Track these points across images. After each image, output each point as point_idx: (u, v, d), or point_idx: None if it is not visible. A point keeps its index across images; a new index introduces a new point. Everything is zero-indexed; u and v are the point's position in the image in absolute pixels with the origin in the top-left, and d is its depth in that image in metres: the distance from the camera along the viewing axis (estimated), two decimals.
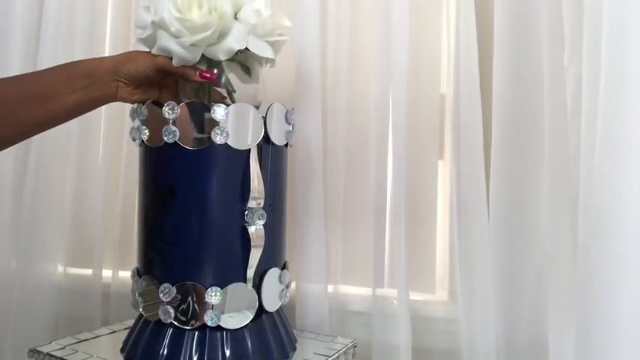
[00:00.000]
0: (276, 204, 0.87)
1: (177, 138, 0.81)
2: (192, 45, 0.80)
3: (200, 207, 0.82)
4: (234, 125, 0.81)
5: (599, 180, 0.80)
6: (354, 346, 1.01)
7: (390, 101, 1.06)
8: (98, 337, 1.00)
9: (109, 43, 1.26)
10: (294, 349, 0.93)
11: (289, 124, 0.89)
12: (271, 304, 0.87)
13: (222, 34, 0.81)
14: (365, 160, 1.11)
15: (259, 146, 0.85)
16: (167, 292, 0.82)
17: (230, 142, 0.81)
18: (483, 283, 1.01)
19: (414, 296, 1.08)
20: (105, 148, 1.27)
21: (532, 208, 0.99)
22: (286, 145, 0.90)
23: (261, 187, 0.83)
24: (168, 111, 0.81)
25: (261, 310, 0.86)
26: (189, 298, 0.82)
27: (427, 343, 1.08)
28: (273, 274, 0.87)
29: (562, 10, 0.89)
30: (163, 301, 0.82)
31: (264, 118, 0.84)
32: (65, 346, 0.94)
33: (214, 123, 0.80)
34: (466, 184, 1.02)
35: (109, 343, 0.98)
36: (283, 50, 0.91)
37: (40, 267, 1.26)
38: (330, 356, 0.93)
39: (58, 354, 0.89)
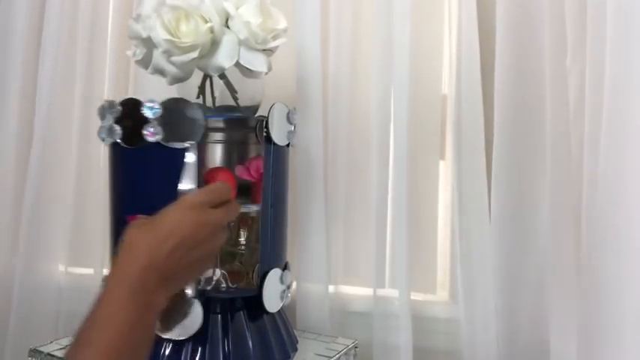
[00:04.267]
0: (278, 204, 0.87)
1: (118, 137, 0.79)
2: (183, 63, 0.79)
3: (141, 207, 0.78)
4: (168, 123, 0.77)
5: (603, 181, 0.80)
6: (355, 347, 1.01)
7: (392, 102, 1.06)
8: None
9: (110, 44, 1.26)
10: (295, 349, 0.93)
11: (291, 124, 0.88)
12: (273, 305, 0.87)
13: (214, 44, 0.80)
14: (366, 161, 1.12)
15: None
16: None
17: (163, 141, 0.77)
18: (484, 284, 1.01)
19: (415, 296, 1.07)
20: (106, 148, 1.26)
21: (534, 208, 0.99)
22: (288, 145, 0.90)
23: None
24: (109, 110, 0.80)
25: (262, 310, 0.85)
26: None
27: (428, 343, 1.08)
28: (274, 274, 0.87)
29: (565, 10, 0.89)
30: None
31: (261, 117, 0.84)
32: (65, 346, 0.94)
33: (146, 120, 0.77)
34: (467, 184, 1.02)
35: None
36: (285, 51, 0.90)
37: (41, 266, 1.27)
38: (331, 357, 0.93)
39: (58, 354, 0.89)
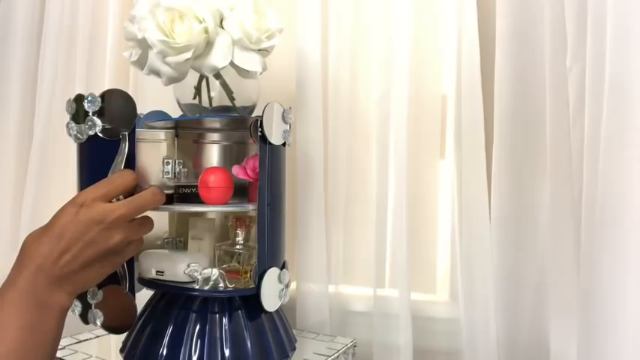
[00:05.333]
0: (275, 203, 0.87)
1: (74, 133, 0.79)
2: (177, 64, 0.79)
3: None
4: (105, 115, 0.77)
5: (602, 181, 0.80)
6: (354, 346, 1.01)
7: (392, 101, 1.05)
8: (98, 337, 1.01)
9: (110, 44, 1.26)
10: (294, 348, 0.93)
11: (286, 123, 0.88)
12: (271, 304, 0.87)
13: (208, 45, 0.80)
14: (366, 160, 1.11)
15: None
16: None
17: (100, 133, 0.76)
18: (484, 283, 1.00)
19: (415, 296, 1.07)
20: None
21: (534, 208, 0.99)
22: (284, 144, 0.90)
23: None
24: (67, 108, 0.79)
25: (260, 309, 0.85)
26: None
27: (428, 343, 1.07)
28: (272, 273, 0.87)
29: (565, 10, 0.89)
30: None
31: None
32: (65, 347, 0.94)
33: (86, 114, 0.77)
34: (468, 184, 1.02)
35: (109, 343, 0.98)
36: (285, 51, 0.90)
37: None
38: (329, 356, 0.93)
39: (57, 354, 0.89)
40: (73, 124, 0.78)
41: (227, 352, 0.83)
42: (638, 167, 0.77)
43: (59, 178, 1.27)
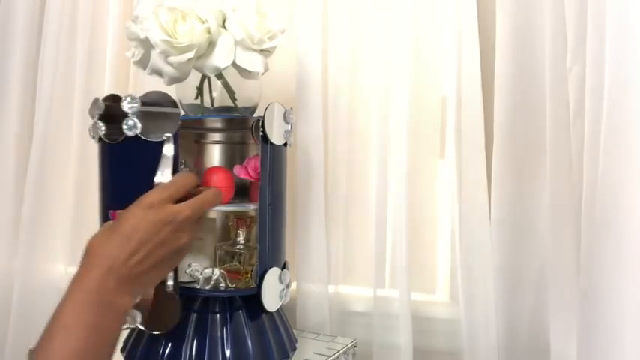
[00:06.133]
0: (275, 203, 0.87)
1: (102, 134, 0.79)
2: (180, 63, 0.79)
3: (123, 202, 0.74)
4: (146, 116, 0.76)
5: (602, 181, 0.80)
6: (354, 346, 1.01)
7: (392, 102, 1.06)
8: None
9: (110, 44, 1.26)
10: (295, 348, 0.93)
11: (287, 123, 0.88)
12: (271, 304, 0.87)
13: (210, 45, 0.80)
14: (366, 161, 1.11)
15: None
16: None
17: (141, 134, 0.76)
18: (484, 284, 1.01)
19: (415, 296, 1.07)
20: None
21: (533, 208, 0.99)
22: (285, 144, 0.90)
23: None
24: (95, 107, 0.79)
25: (261, 309, 0.85)
26: None
27: (428, 343, 1.08)
28: (273, 273, 0.87)
29: (565, 10, 0.89)
30: None
31: (268, 118, 0.83)
32: None
33: (125, 115, 0.76)
34: (467, 185, 1.02)
35: None
36: (285, 52, 0.90)
37: (41, 266, 1.27)
38: (330, 356, 0.93)
39: None
40: (101, 125, 0.78)
41: (228, 352, 0.83)
42: (638, 167, 0.77)
43: (59, 178, 1.27)
